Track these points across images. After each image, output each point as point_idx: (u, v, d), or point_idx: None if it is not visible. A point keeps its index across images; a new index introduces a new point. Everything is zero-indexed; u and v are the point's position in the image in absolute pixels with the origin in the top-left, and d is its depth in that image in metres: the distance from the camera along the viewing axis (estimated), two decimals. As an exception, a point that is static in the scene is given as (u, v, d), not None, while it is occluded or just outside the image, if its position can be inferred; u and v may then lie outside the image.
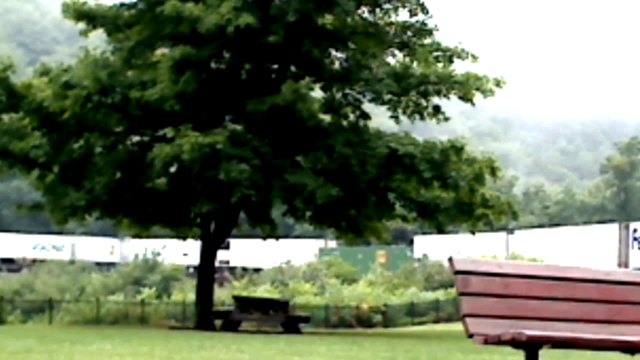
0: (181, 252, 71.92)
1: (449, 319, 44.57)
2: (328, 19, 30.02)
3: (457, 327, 7.19)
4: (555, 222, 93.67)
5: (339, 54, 31.40)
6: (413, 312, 47.41)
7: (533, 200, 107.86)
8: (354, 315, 43.83)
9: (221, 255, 79.29)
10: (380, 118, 35.49)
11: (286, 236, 71.49)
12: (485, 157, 30.00)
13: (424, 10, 29.94)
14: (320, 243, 79.22)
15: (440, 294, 50.86)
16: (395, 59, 31.35)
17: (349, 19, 29.91)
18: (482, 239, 63.17)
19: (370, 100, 30.67)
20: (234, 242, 77.75)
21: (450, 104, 31.31)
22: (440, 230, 33.33)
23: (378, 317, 44.74)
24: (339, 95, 31.19)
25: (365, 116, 31.19)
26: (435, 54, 30.26)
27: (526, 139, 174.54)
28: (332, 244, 79.51)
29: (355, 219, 30.82)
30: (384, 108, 31.11)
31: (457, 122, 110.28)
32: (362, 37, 30.20)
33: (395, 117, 30.94)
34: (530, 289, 5.10)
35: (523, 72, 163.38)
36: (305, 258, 70.67)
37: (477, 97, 29.72)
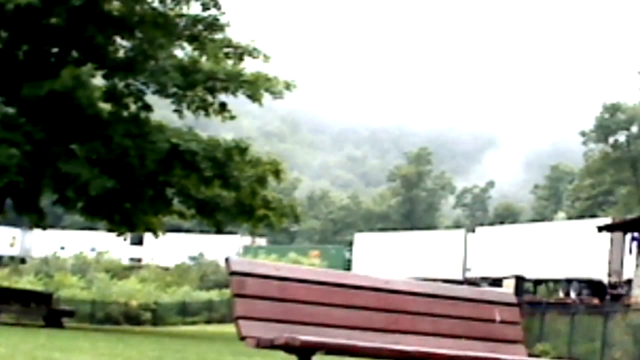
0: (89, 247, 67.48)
1: (222, 320, 44.49)
2: (115, 5, 29.07)
3: (230, 328, 6.97)
4: (339, 228, 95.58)
5: (124, 42, 30.49)
6: (185, 312, 46.97)
7: (317, 204, 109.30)
8: (122, 312, 42.90)
9: (133, 252, 71.92)
10: (163, 111, 34.82)
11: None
12: (270, 159, 30.14)
13: (216, 5, 29.69)
14: (246, 240, 72.77)
15: (214, 294, 50.72)
16: (184, 52, 30.87)
17: (137, 7, 29.12)
18: (438, 237, 56.45)
19: (155, 92, 30.01)
20: (148, 237, 71.69)
21: (239, 101, 31.18)
22: (219, 229, 32.86)
23: (147, 315, 43.99)
24: (121, 85, 30.32)
25: (148, 108, 30.48)
26: (226, 50, 30.06)
27: (314, 142, 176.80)
28: (262, 241, 73.82)
29: (131, 212, 30.04)
30: (168, 101, 30.52)
31: (244, 121, 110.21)
32: (150, 26, 29.45)
33: (179, 112, 30.45)
34: (308, 294, 4.96)
35: (313, 75, 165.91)
36: (228, 254, 65.86)
37: (266, 97, 29.76)
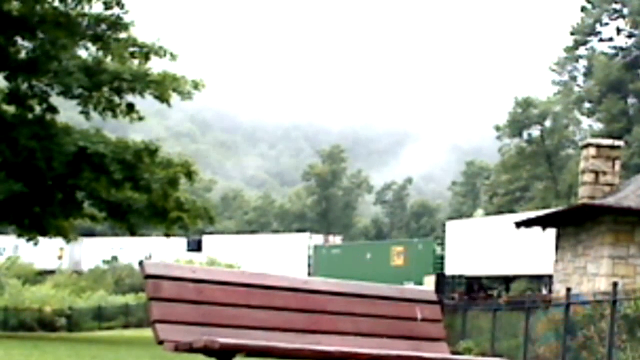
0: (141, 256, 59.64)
1: (139, 325, 43.95)
2: (15, 5, 28.27)
3: (148, 332, 6.86)
4: (254, 228, 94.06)
5: (26, 43, 29.70)
6: (101, 317, 46.25)
7: (231, 205, 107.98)
8: (36, 318, 42.10)
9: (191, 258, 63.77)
10: (69, 112, 34.11)
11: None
12: (182, 160, 29.82)
13: (119, 4, 29.12)
14: (317, 239, 61.63)
15: (130, 298, 50.09)
16: (87, 52, 30.25)
17: (37, 7, 28.39)
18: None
19: (59, 94, 29.36)
20: (206, 241, 65.58)
21: (147, 102, 30.73)
22: (132, 232, 32.24)
23: (62, 321, 43.24)
24: (24, 86, 29.56)
25: (53, 110, 29.81)
26: (131, 49, 29.53)
27: (226, 142, 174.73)
28: (337, 239, 64.16)
29: (40, 216, 29.37)
30: (74, 102, 29.89)
31: (152, 121, 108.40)
32: (51, 26, 28.74)
33: (86, 113, 29.86)
34: (226, 296, 4.89)
35: (223, 72, 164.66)
36: (296, 255, 58.04)
37: (174, 97, 29.39)
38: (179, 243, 64.81)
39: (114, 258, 63.57)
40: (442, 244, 49.68)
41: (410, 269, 47.97)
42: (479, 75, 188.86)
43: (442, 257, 48.46)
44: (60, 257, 67.86)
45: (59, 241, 66.17)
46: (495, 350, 19.97)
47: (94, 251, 65.20)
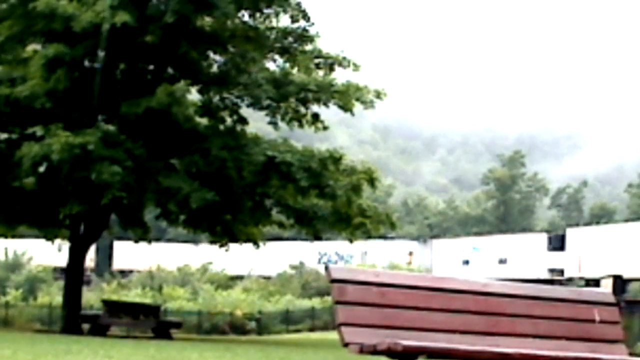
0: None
1: (325, 328, 44.57)
2: (207, 21, 29.66)
3: (333, 335, 7.12)
4: (435, 233, 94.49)
5: (217, 57, 31.04)
6: (288, 320, 47.21)
7: (412, 210, 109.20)
8: (228, 322, 43.41)
9: (553, 260, 55.89)
10: (259, 123, 35.30)
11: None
12: (365, 167, 30.20)
13: (306, 17, 29.93)
14: None
15: (316, 302, 50.91)
16: (275, 64, 31.25)
17: (228, 22, 29.61)
18: None
19: (249, 105, 30.46)
20: (571, 233, 57.00)
21: (331, 111, 31.38)
22: (317, 237, 32.89)
23: (252, 324, 44.40)
24: (216, 99, 30.88)
25: (243, 121, 30.97)
26: (316, 60, 30.29)
27: (406, 149, 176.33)
28: None
29: (231, 224, 30.50)
30: (262, 113, 30.91)
31: (337, 130, 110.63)
32: (241, 40, 29.95)
33: (274, 123, 30.79)
34: (407, 299, 5.03)
35: (403, 80, 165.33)
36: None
37: (358, 106, 29.85)
38: (539, 240, 58.61)
39: (466, 262, 60.61)
40: None
41: None
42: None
43: None
44: (409, 262, 64.30)
45: (409, 243, 66.23)
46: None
47: (444, 253, 62.66)
